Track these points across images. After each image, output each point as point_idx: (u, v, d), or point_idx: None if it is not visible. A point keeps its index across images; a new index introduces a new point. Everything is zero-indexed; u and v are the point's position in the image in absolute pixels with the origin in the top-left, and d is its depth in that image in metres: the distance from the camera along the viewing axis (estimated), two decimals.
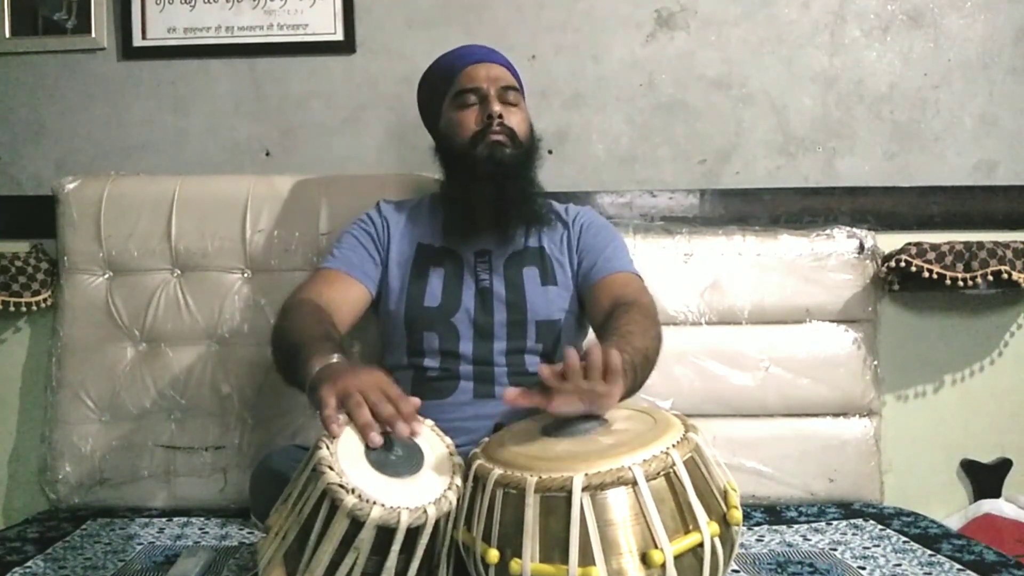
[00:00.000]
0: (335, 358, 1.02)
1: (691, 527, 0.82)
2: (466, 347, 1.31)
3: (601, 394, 0.89)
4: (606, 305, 1.25)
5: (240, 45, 1.80)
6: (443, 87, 1.37)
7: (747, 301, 1.65)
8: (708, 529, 0.82)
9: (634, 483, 0.80)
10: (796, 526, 1.43)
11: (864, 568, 1.21)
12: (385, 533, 0.81)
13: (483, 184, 1.30)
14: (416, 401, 0.94)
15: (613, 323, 1.15)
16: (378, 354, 1.51)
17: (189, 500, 1.57)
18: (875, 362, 1.66)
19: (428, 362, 1.32)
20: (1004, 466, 1.78)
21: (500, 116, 1.30)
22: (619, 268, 1.34)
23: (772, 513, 1.51)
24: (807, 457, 1.60)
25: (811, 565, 1.23)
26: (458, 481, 0.90)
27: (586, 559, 0.78)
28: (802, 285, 1.66)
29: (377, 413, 0.89)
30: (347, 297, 1.32)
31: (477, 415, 1.26)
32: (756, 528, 1.43)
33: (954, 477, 1.80)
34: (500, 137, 1.29)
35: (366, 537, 0.80)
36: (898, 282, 1.68)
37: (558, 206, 1.45)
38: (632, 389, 1.03)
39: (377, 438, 0.87)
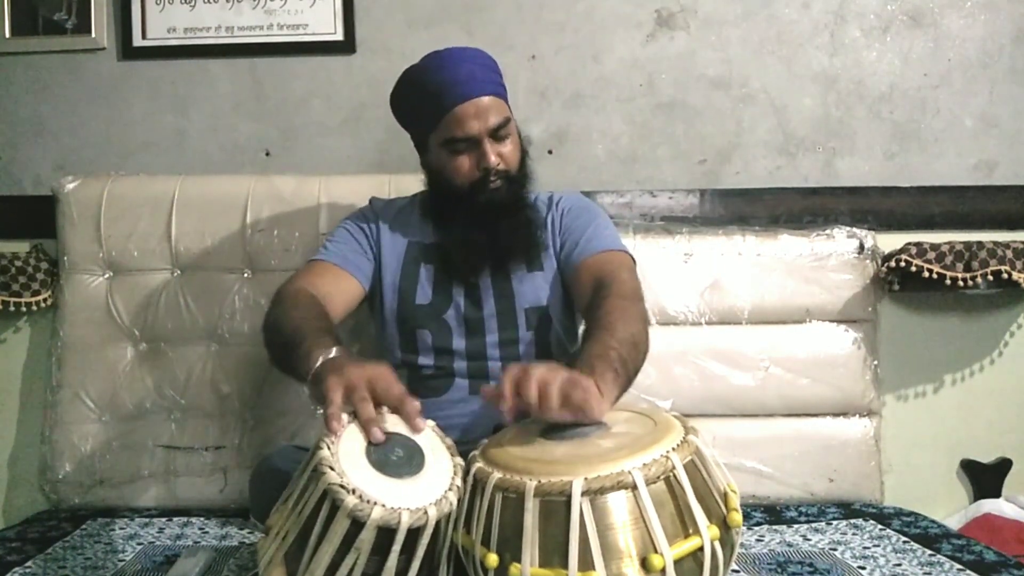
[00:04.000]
0: (336, 351, 1.01)
1: (691, 531, 0.81)
2: (459, 343, 1.31)
3: (579, 404, 0.87)
4: (588, 288, 1.24)
5: (240, 45, 1.80)
6: (428, 119, 1.29)
7: (747, 301, 1.66)
8: (708, 533, 0.81)
9: (634, 487, 0.79)
10: (796, 526, 1.43)
11: (864, 568, 1.21)
12: (386, 534, 0.81)
13: (482, 229, 1.29)
14: (417, 405, 0.94)
15: (594, 314, 1.13)
16: (376, 353, 1.51)
17: (189, 500, 1.58)
18: (875, 362, 1.66)
19: (422, 360, 1.33)
20: (1004, 466, 1.78)
21: (498, 164, 1.27)
22: (599, 248, 1.31)
23: (772, 513, 1.52)
24: (807, 457, 1.60)
25: (811, 565, 1.23)
26: (459, 482, 0.89)
27: (586, 564, 0.78)
28: (802, 285, 1.66)
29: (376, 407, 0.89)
30: (339, 290, 1.31)
31: (473, 411, 1.26)
32: (756, 528, 1.43)
33: (954, 477, 1.80)
34: (498, 183, 1.28)
35: (367, 538, 0.80)
36: (898, 282, 1.68)
37: (544, 195, 1.44)
38: (627, 380, 1.01)
39: (379, 434, 0.87)
